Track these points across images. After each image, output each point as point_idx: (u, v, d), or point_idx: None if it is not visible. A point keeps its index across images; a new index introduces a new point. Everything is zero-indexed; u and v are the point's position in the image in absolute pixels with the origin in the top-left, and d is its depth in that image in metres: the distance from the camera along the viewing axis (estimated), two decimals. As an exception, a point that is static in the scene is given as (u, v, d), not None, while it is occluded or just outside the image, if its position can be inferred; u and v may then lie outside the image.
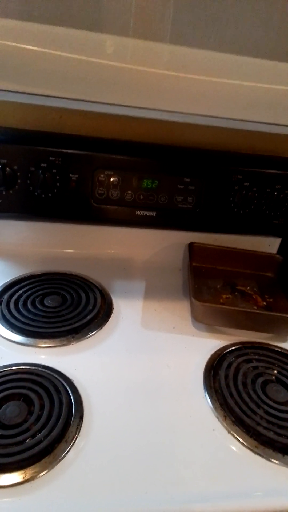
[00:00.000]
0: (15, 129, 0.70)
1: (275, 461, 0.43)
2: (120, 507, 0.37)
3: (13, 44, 0.40)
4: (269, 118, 0.47)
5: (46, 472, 0.39)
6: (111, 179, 0.70)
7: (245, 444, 0.45)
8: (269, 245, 0.84)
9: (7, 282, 0.67)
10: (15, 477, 0.38)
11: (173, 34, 0.42)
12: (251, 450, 0.44)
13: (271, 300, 0.72)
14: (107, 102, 0.45)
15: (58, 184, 0.68)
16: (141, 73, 0.43)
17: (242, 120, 0.47)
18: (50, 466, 0.39)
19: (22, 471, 0.38)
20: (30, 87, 0.43)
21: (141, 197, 0.72)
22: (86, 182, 0.69)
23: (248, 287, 0.75)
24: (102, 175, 0.69)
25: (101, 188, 0.70)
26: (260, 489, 0.40)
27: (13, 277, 0.68)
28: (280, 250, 0.84)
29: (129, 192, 0.71)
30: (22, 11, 0.39)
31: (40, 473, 0.38)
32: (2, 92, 0.43)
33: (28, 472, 0.38)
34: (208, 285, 0.74)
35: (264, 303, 0.71)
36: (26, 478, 0.38)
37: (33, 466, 0.39)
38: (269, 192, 0.74)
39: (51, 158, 0.66)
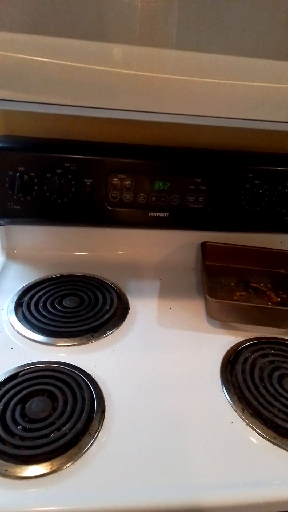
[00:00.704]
0: (30, 137, 0.73)
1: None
2: (144, 496, 0.38)
3: (26, 56, 0.42)
4: (277, 116, 0.48)
5: (72, 463, 0.40)
6: (124, 183, 0.72)
7: (264, 435, 0.46)
8: (282, 242, 0.84)
9: (26, 285, 0.69)
10: (43, 468, 0.40)
11: (178, 39, 0.43)
12: (270, 441, 0.45)
13: (285, 296, 0.73)
14: (118, 108, 0.47)
15: (73, 189, 0.70)
16: (150, 79, 0.45)
17: (249, 120, 0.48)
18: (75, 457, 0.41)
19: (49, 463, 0.40)
20: (43, 97, 0.45)
21: (153, 198, 0.74)
22: (100, 186, 0.71)
23: (262, 284, 0.76)
24: (115, 179, 0.72)
25: (114, 192, 0.72)
26: (279, 478, 0.41)
27: (32, 280, 0.71)
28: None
29: (142, 194, 0.73)
30: (32, 25, 0.41)
31: (66, 464, 0.40)
32: (17, 102, 0.45)
33: (55, 463, 0.40)
34: (222, 283, 0.75)
35: (278, 299, 0.71)
36: (53, 469, 0.40)
37: (59, 458, 0.41)
38: (280, 189, 0.75)
39: (66, 164, 0.69)
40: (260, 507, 0.39)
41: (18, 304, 0.64)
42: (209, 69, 0.45)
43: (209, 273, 0.74)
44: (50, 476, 0.39)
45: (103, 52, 0.43)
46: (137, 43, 0.43)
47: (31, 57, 0.42)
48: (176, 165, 0.72)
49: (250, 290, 0.74)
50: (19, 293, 0.67)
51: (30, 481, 0.39)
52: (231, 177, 0.73)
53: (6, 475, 0.39)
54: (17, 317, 0.61)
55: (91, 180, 0.70)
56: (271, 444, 0.45)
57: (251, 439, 0.45)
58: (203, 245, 0.78)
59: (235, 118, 0.47)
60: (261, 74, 0.45)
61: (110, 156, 0.70)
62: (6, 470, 0.39)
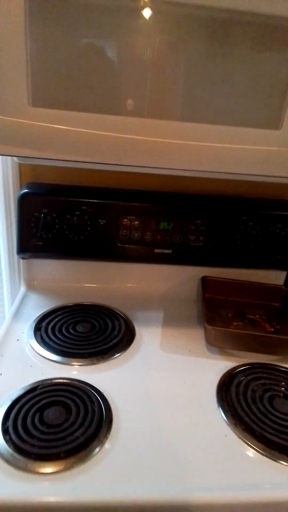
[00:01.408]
0: (53, 184, 0.84)
1: (281, 461, 0.49)
2: (145, 494, 0.44)
3: (57, 126, 0.53)
4: (260, 171, 0.58)
5: (83, 464, 0.46)
6: (133, 223, 0.82)
7: (254, 447, 0.51)
8: (276, 278, 0.92)
9: (44, 311, 0.78)
10: (57, 466, 0.46)
11: (183, 113, 0.55)
12: (260, 452, 0.50)
13: (278, 327, 0.79)
14: (126, 164, 0.57)
15: (88, 228, 0.81)
16: (156, 143, 0.56)
17: (237, 174, 0.58)
18: (85, 458, 0.47)
19: (63, 461, 0.46)
20: (66, 157, 0.56)
21: (158, 237, 0.83)
22: (112, 226, 0.81)
23: (257, 316, 0.83)
24: (125, 220, 0.82)
25: (124, 231, 0.82)
26: (268, 483, 0.46)
27: (49, 308, 0.79)
28: (286, 282, 0.92)
29: (149, 233, 0.83)
30: (66, 103, 0.53)
31: (78, 464, 0.46)
32: (45, 159, 0.56)
33: (68, 462, 0.46)
34: (220, 314, 0.82)
35: (272, 329, 0.78)
36: (66, 467, 0.46)
37: (71, 458, 0.47)
38: (271, 231, 0.84)
39: (83, 207, 0.79)
40: (247, 508, 0.44)
41: (37, 329, 0.72)
42: (201, 136, 0.56)
43: (208, 305, 0.81)
44: (64, 473, 0.45)
45: (115, 122, 0.54)
46: (147, 116, 0.54)
47: (58, 126, 0.53)
48: (178, 209, 0.82)
49: (246, 320, 0.81)
50: (37, 319, 0.75)
51: (45, 476, 0.45)
52: (227, 219, 0.83)
53: (27, 470, 0.45)
54: (36, 340, 0.69)
55: (104, 221, 0.81)
56: (260, 455, 0.50)
57: (242, 450, 0.51)
58: (204, 279, 0.87)
59: (222, 172, 0.57)
60: (243, 139, 0.56)
61: (121, 201, 0.81)
62: (27, 466, 0.45)
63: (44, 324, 0.73)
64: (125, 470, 0.46)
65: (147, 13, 0.49)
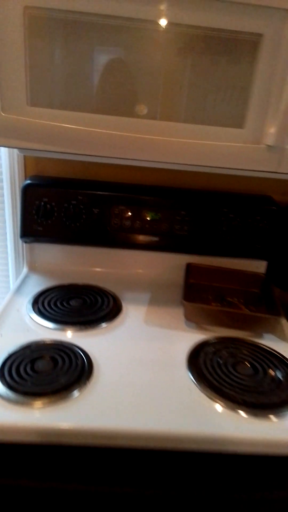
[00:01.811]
0: (53, 177, 0.95)
1: (239, 411, 0.57)
2: (108, 424, 0.53)
3: (50, 123, 0.63)
4: (227, 164, 0.67)
5: (65, 401, 0.56)
6: (124, 212, 0.92)
7: (211, 397, 0.59)
8: (257, 267, 1.00)
9: (43, 289, 0.87)
10: (43, 402, 0.55)
11: (162, 114, 0.64)
12: (215, 401, 0.58)
13: (253, 308, 0.87)
14: (116, 157, 0.67)
15: (84, 216, 0.91)
16: (139, 138, 0.65)
17: (208, 166, 0.67)
18: (68, 397, 0.56)
19: (49, 398, 0.55)
20: (66, 149, 0.66)
21: (147, 226, 0.92)
22: (105, 215, 0.91)
23: (235, 299, 0.91)
24: (117, 210, 0.91)
25: (116, 219, 0.92)
26: (218, 423, 0.54)
27: (48, 286, 0.89)
28: (268, 271, 0.99)
29: (138, 222, 0.92)
30: (58, 104, 0.63)
31: (61, 401, 0.55)
32: (48, 152, 0.66)
33: (53, 399, 0.55)
34: (202, 297, 0.91)
35: (247, 310, 0.86)
36: (51, 401, 0.55)
37: (56, 396, 0.56)
38: (250, 222, 0.92)
39: (79, 197, 0.89)
40: (197, 441, 0.52)
41: (35, 302, 0.82)
42: (179, 133, 0.65)
43: (192, 290, 0.90)
44: (49, 407, 0.54)
45: (99, 120, 0.64)
46: (130, 116, 0.64)
47: (58, 124, 0.63)
48: (165, 200, 0.91)
49: (224, 303, 0.89)
50: (36, 295, 0.85)
51: (35, 409, 0.54)
52: (210, 211, 0.92)
53: (19, 404, 0.54)
54: (34, 311, 0.79)
55: (98, 210, 0.90)
56: (214, 403, 0.58)
57: (202, 400, 0.59)
58: (188, 265, 0.95)
59: (195, 165, 0.66)
60: (216, 136, 0.65)
61: (114, 192, 0.90)
62: (18, 401, 0.54)
63: (41, 298, 0.83)
64: (99, 407, 0.55)
65: (131, 30, 0.59)
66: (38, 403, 0.55)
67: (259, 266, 1.00)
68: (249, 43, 0.61)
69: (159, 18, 0.58)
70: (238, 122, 0.65)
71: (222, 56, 0.61)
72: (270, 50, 0.61)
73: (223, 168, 0.68)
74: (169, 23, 0.58)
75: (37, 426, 0.52)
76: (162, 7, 0.57)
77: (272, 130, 0.63)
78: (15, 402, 0.55)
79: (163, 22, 0.58)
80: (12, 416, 0.53)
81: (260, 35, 0.60)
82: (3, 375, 0.59)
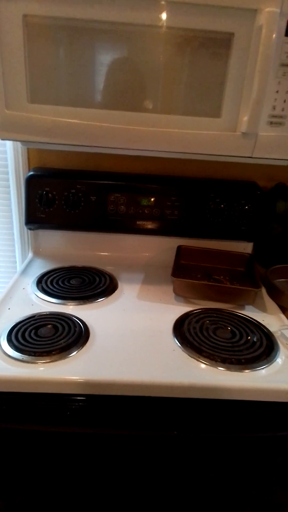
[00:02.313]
0: (54, 168, 1.03)
1: (219, 368, 0.65)
2: (112, 377, 0.61)
3: (48, 117, 0.71)
4: (207, 151, 0.74)
5: (64, 359, 0.64)
6: (119, 199, 1.00)
7: (192, 356, 0.67)
8: (244, 249, 1.07)
9: (46, 271, 0.96)
10: (46, 360, 0.64)
11: (149, 106, 0.72)
12: (196, 359, 0.67)
13: (238, 285, 0.94)
14: (112, 147, 0.75)
15: (82, 203, 0.99)
16: (129, 129, 0.73)
17: (191, 153, 0.75)
18: (67, 356, 0.65)
19: (50, 357, 0.64)
20: (67, 141, 0.74)
21: (140, 211, 1.00)
22: (102, 202, 0.99)
23: (222, 277, 0.98)
24: (112, 197, 0.99)
25: (112, 206, 1.00)
26: (195, 374, 0.63)
27: (50, 268, 0.98)
28: (256, 254, 1.07)
29: (132, 208, 1.00)
30: (54, 100, 0.71)
31: (61, 358, 0.64)
32: (50, 144, 0.74)
33: (54, 357, 0.64)
34: (191, 275, 0.98)
35: (230, 285, 0.94)
36: (52, 360, 0.64)
37: (56, 355, 0.65)
38: (235, 206, 1.00)
39: (78, 186, 0.98)
40: (180, 389, 0.61)
41: (39, 281, 0.91)
42: (164, 124, 0.73)
43: (182, 269, 0.98)
44: (51, 363, 0.63)
45: (90, 113, 0.71)
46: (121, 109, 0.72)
47: (56, 118, 0.72)
48: (157, 187, 0.99)
49: (211, 280, 0.97)
50: (40, 275, 0.94)
51: (39, 365, 0.63)
52: (198, 196, 0.99)
53: (25, 361, 0.63)
54: (38, 288, 0.88)
55: (95, 197, 0.99)
56: (195, 361, 0.67)
57: (184, 358, 0.67)
58: (179, 247, 1.03)
59: (179, 152, 0.74)
60: (191, 125, 0.73)
61: (109, 181, 0.98)
62: (24, 359, 0.63)
63: (44, 278, 0.92)
64: (94, 363, 0.64)
65: (119, 33, 0.67)
66: (41, 361, 0.64)
67: (246, 247, 1.07)
68: (222, 41, 0.68)
69: (147, 21, 0.65)
70: (215, 112, 0.72)
71: (201, 53, 0.69)
72: (241, 47, 0.68)
73: (204, 154, 0.76)
74: (154, 26, 0.65)
75: (41, 378, 0.61)
76: (149, 12, 0.65)
77: (245, 118, 0.71)
78: (22, 361, 0.64)
79: (150, 24, 0.66)
80: (20, 371, 0.62)
81: (231, 34, 0.67)
82: (10, 340, 0.68)
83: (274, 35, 0.65)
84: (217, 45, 0.68)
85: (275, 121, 0.72)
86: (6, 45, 0.66)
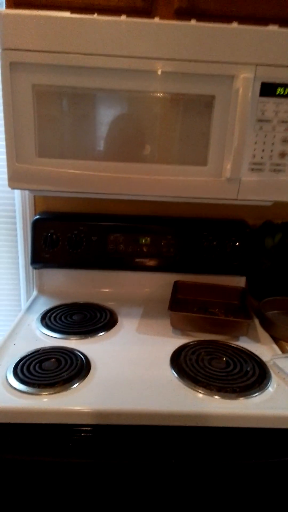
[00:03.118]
0: (58, 212, 1.11)
1: (215, 396, 0.69)
2: (111, 406, 0.65)
3: (54, 169, 0.80)
4: (195, 195, 0.82)
5: (66, 390, 0.68)
6: (119, 239, 1.07)
7: (189, 386, 0.71)
8: (238, 282, 1.13)
9: (49, 307, 1.02)
10: (49, 391, 0.67)
11: (144, 157, 0.81)
12: (192, 388, 0.70)
13: (232, 317, 0.99)
14: (113, 193, 0.84)
15: (84, 243, 1.06)
16: (127, 178, 0.82)
17: (182, 197, 0.83)
18: (69, 387, 0.69)
19: (53, 388, 0.68)
20: (69, 189, 0.83)
21: (138, 249, 1.07)
22: (102, 241, 1.06)
23: (217, 310, 1.03)
24: (112, 237, 1.07)
25: (112, 245, 1.07)
26: (190, 403, 0.66)
27: (54, 305, 1.03)
28: (250, 287, 1.12)
29: (131, 246, 1.07)
30: (59, 154, 0.80)
31: (63, 390, 0.68)
32: (54, 192, 0.83)
33: (57, 389, 0.68)
34: (188, 309, 1.03)
35: (224, 317, 0.98)
36: (56, 391, 0.67)
37: (59, 387, 0.68)
38: (227, 242, 1.07)
39: (80, 228, 1.06)
40: (178, 417, 0.64)
41: (43, 318, 0.96)
42: (157, 172, 0.82)
43: (179, 303, 1.03)
44: (54, 395, 0.67)
45: (93, 165, 0.80)
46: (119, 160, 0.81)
47: (60, 170, 0.80)
48: (153, 227, 1.07)
49: (207, 313, 1.01)
50: (44, 312, 0.99)
51: (43, 396, 0.66)
52: (191, 234, 1.07)
53: (29, 393, 0.67)
54: (42, 324, 0.92)
55: (96, 237, 1.06)
56: (190, 389, 0.70)
57: (180, 388, 0.71)
58: (176, 283, 1.09)
59: (171, 196, 0.82)
60: (184, 173, 0.81)
61: (109, 222, 1.06)
62: (29, 391, 0.67)
63: (48, 314, 0.97)
64: (95, 394, 0.68)
65: (118, 96, 0.77)
66: (45, 392, 0.67)
67: (239, 281, 1.13)
68: (206, 102, 0.78)
69: (141, 88, 0.76)
70: (202, 161, 0.81)
71: (189, 112, 0.79)
72: (222, 106, 0.78)
73: (194, 198, 0.84)
74: (148, 92, 0.76)
75: (44, 409, 0.64)
76: (143, 81, 0.75)
77: (228, 166, 0.79)
78: (27, 393, 0.67)
79: (144, 90, 0.76)
80: (24, 403, 0.65)
81: (213, 96, 0.77)
82: (16, 373, 0.72)
83: (249, 96, 0.75)
84: (202, 105, 0.79)
85: (256, 168, 0.81)
86: (18, 109, 0.77)
